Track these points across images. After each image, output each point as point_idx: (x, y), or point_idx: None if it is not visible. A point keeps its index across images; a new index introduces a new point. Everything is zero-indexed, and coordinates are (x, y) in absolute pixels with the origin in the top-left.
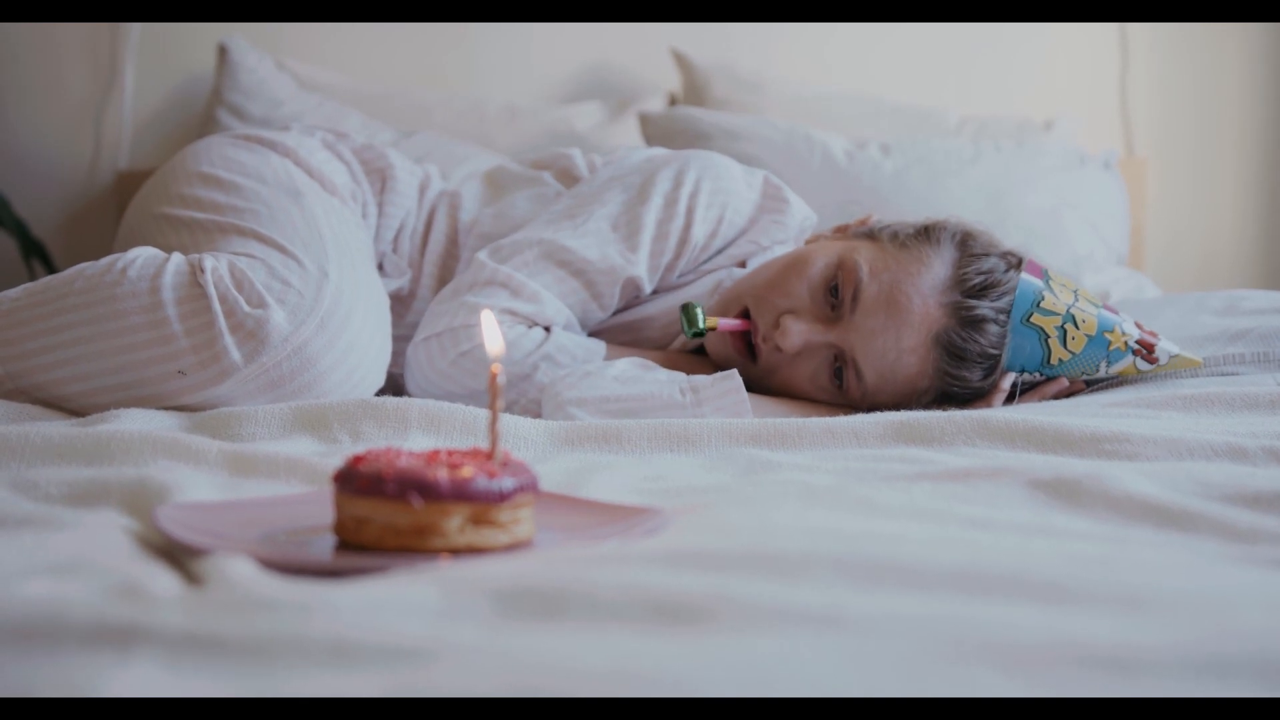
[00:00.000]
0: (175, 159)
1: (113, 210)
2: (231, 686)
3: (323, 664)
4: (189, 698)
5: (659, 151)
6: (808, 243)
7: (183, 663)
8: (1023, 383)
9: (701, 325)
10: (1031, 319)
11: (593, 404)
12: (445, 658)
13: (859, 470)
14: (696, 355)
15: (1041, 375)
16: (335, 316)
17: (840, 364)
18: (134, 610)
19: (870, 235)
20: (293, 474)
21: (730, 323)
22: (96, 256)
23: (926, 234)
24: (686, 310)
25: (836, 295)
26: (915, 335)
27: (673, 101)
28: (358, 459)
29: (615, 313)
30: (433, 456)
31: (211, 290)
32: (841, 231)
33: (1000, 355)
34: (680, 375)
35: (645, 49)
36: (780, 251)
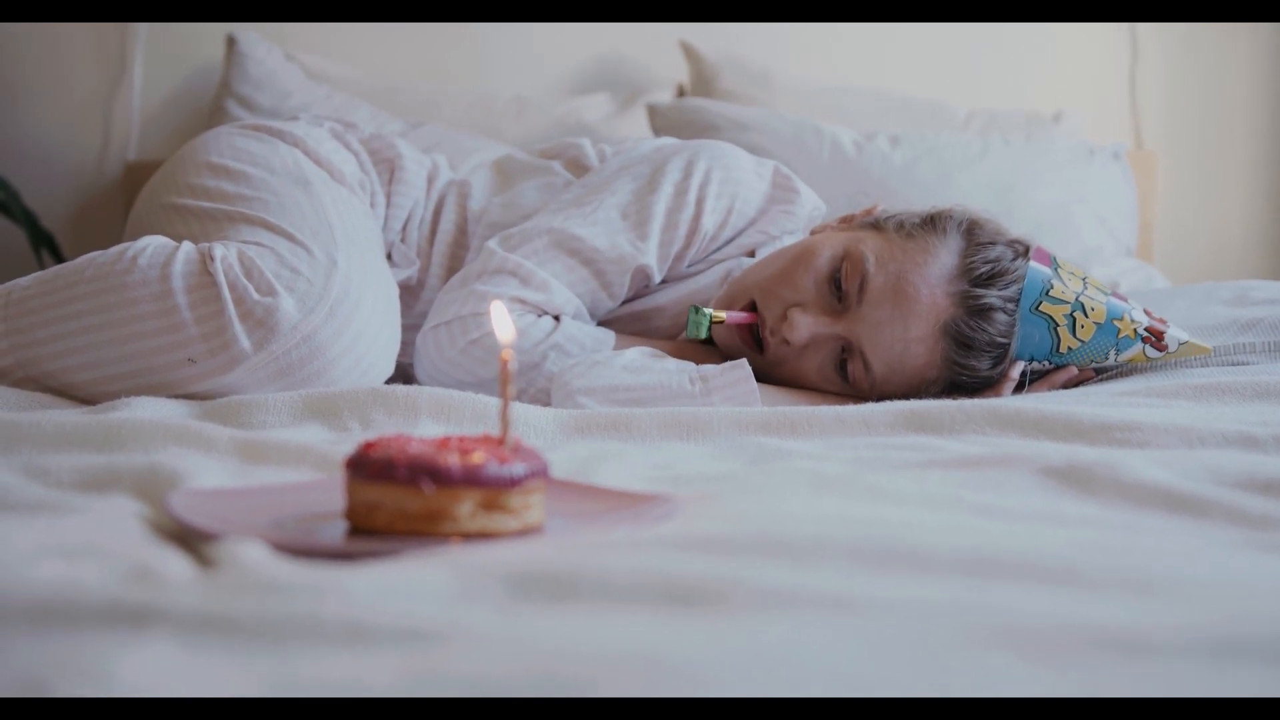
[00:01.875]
0: (184, 149)
1: (121, 201)
2: (245, 667)
3: (336, 645)
4: (202, 698)
5: (669, 141)
6: (813, 233)
7: (197, 643)
8: (1032, 371)
9: (707, 324)
10: (1040, 307)
11: (601, 393)
12: (458, 640)
13: (870, 459)
14: (705, 345)
15: (1051, 364)
16: (344, 305)
17: (848, 355)
18: (148, 592)
19: (876, 225)
20: (303, 461)
21: (737, 316)
22: (105, 247)
23: (933, 223)
24: (692, 315)
25: (843, 287)
26: (923, 325)
27: (681, 93)
28: (369, 445)
29: (625, 302)
30: (444, 443)
31: (221, 279)
32: (847, 222)
33: (1009, 344)
34: (689, 365)
35: (654, 41)
36: (790, 241)
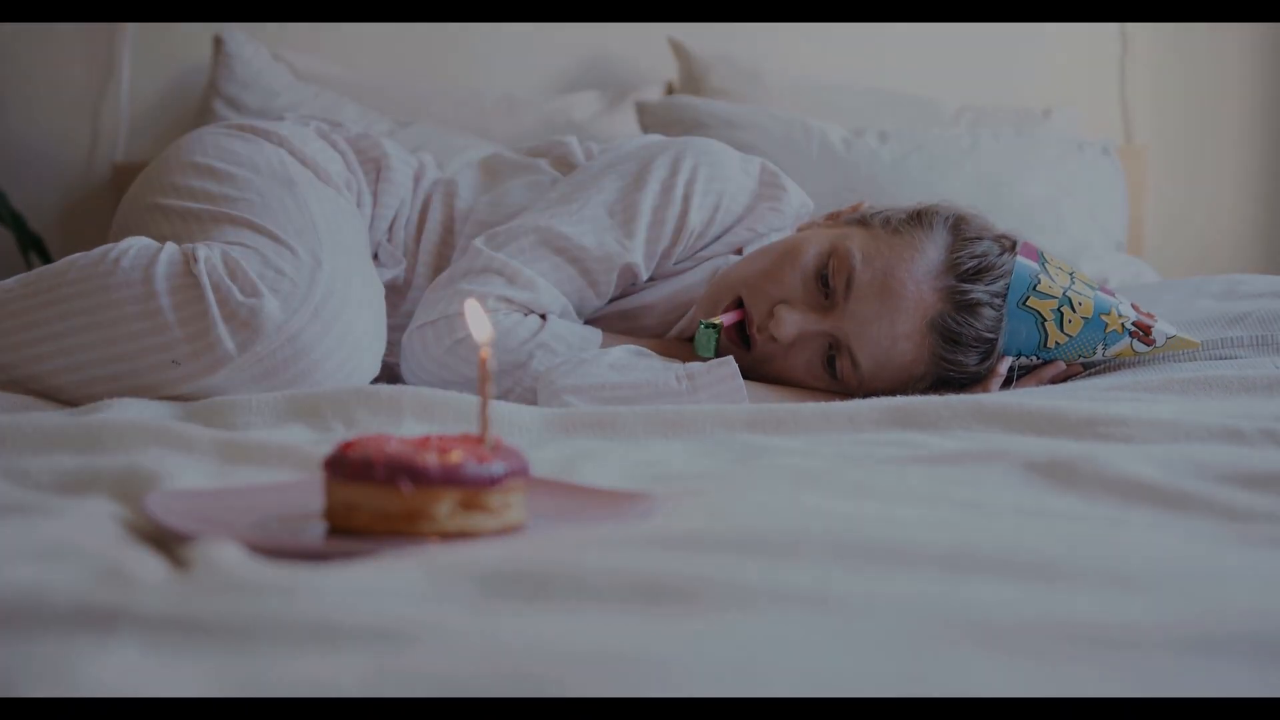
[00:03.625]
0: (169, 149)
1: (110, 203)
2: (212, 669)
3: (305, 646)
4: (174, 698)
5: (656, 138)
6: (799, 230)
7: (164, 646)
8: (1020, 367)
9: (716, 335)
10: (1028, 302)
11: (588, 392)
12: (429, 639)
13: (854, 455)
14: (692, 343)
15: (1038, 359)
16: (329, 305)
17: (835, 352)
18: (117, 594)
19: (862, 222)
20: (284, 461)
21: (727, 317)
22: (93, 249)
23: (919, 219)
24: (701, 333)
25: (830, 283)
26: (910, 321)
27: (670, 91)
28: (348, 445)
29: (612, 300)
30: (423, 442)
31: (205, 280)
32: (834, 219)
33: (996, 339)
34: (676, 363)
35: (643, 39)
36: (776, 239)
